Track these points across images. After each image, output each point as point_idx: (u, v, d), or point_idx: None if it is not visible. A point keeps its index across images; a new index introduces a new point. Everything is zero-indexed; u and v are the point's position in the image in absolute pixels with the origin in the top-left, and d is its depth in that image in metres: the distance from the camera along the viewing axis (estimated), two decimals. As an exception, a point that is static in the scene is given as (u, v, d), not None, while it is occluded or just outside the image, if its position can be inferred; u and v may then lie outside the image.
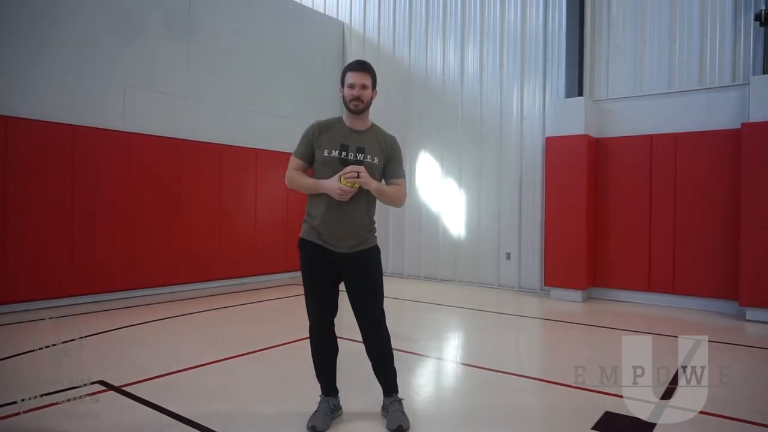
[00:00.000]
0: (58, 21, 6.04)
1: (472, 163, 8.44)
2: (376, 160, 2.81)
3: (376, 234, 2.94)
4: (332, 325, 2.91)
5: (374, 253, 2.88)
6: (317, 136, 2.81)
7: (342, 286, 2.88)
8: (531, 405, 3.38)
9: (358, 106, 2.76)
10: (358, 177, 2.64)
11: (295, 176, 2.84)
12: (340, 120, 2.87)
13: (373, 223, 2.92)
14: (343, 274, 2.83)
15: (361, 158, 2.77)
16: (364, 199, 2.78)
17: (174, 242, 7.08)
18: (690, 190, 6.50)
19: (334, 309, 2.89)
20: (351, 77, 2.76)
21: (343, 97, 2.80)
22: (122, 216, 6.52)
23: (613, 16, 7.27)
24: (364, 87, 2.76)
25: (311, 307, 2.87)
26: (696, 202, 6.46)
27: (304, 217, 2.89)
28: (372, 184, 2.72)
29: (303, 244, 2.85)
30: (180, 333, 5.11)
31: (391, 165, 2.90)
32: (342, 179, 2.65)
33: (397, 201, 2.88)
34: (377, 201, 2.89)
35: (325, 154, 2.77)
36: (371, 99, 2.81)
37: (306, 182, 2.80)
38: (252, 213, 8.18)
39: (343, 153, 2.76)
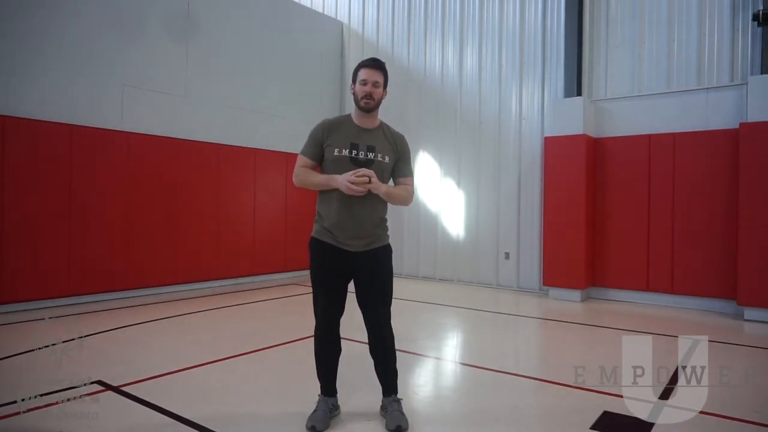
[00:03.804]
0: (56, 20, 6.02)
1: (471, 163, 8.44)
2: (387, 158, 2.80)
3: (388, 232, 2.94)
4: (338, 325, 2.91)
5: (386, 251, 2.88)
6: (326, 134, 2.79)
7: (350, 287, 2.88)
8: (529, 405, 3.39)
9: (369, 104, 2.75)
10: (369, 182, 2.62)
11: (304, 174, 2.81)
12: (348, 118, 2.85)
13: (386, 221, 2.92)
14: (354, 272, 2.83)
15: (372, 157, 2.76)
16: (375, 197, 2.76)
17: (172, 242, 7.07)
18: (688, 189, 6.51)
19: (341, 309, 2.89)
20: (363, 74, 2.75)
21: (354, 93, 2.78)
22: (120, 216, 6.51)
23: (612, 16, 7.28)
24: (376, 84, 2.74)
25: (319, 306, 2.86)
26: (694, 201, 6.47)
27: (315, 217, 2.89)
28: (381, 189, 2.69)
29: (315, 243, 2.84)
30: (179, 333, 5.10)
31: (400, 164, 2.89)
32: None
33: (406, 201, 2.89)
34: None
35: (335, 153, 2.75)
36: (382, 98, 2.80)
37: (317, 179, 2.78)
38: (250, 213, 8.17)
39: (353, 152, 2.75)
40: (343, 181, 2.64)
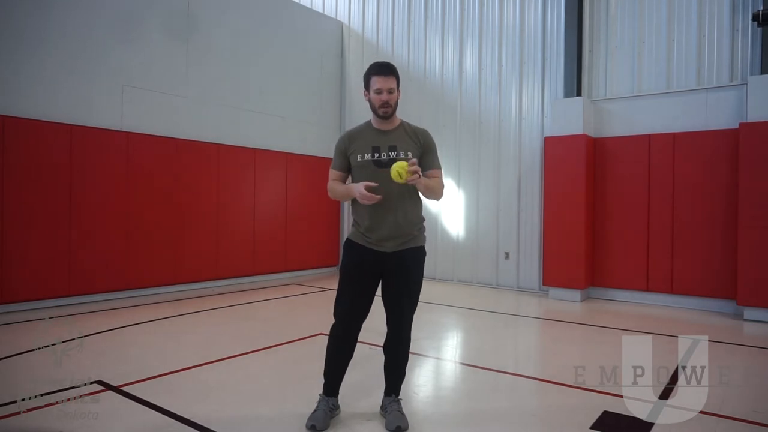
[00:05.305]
0: (56, 20, 6.02)
1: (471, 162, 8.44)
2: (410, 155, 2.81)
3: (425, 233, 2.94)
4: (359, 329, 2.89)
5: (419, 253, 2.89)
6: (348, 144, 2.85)
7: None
8: (529, 404, 3.39)
9: (387, 112, 2.79)
10: (419, 177, 2.60)
11: (333, 186, 2.88)
12: (368, 124, 2.90)
13: (423, 220, 2.93)
14: (385, 271, 2.83)
15: (394, 156, 2.78)
16: (408, 197, 2.80)
17: (172, 242, 7.07)
18: (688, 189, 6.51)
19: (366, 313, 2.88)
20: (377, 82, 2.77)
21: (370, 101, 2.82)
22: (120, 216, 6.51)
23: (612, 16, 7.28)
24: (390, 91, 2.78)
25: (344, 307, 2.84)
26: (694, 201, 6.47)
27: (352, 222, 2.92)
28: (422, 181, 2.72)
29: (350, 245, 2.88)
30: (179, 333, 5.10)
31: (426, 157, 2.90)
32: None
33: (439, 194, 2.89)
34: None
35: (359, 159, 2.79)
36: (397, 100, 2.84)
37: (340, 189, 2.85)
38: (250, 213, 8.17)
39: (376, 154, 2.78)
40: (357, 190, 2.67)
